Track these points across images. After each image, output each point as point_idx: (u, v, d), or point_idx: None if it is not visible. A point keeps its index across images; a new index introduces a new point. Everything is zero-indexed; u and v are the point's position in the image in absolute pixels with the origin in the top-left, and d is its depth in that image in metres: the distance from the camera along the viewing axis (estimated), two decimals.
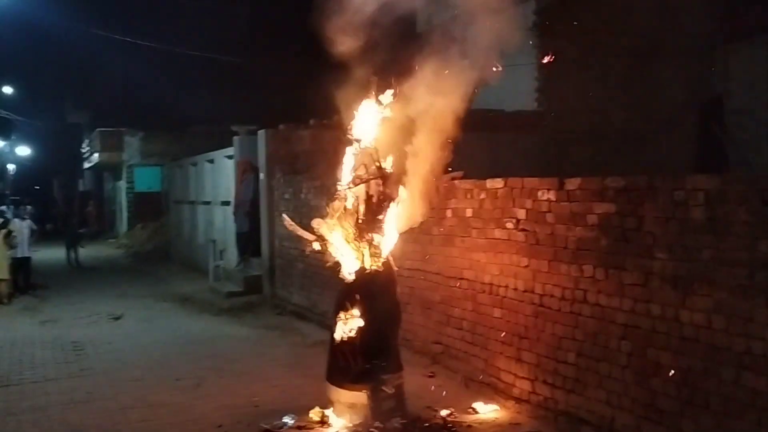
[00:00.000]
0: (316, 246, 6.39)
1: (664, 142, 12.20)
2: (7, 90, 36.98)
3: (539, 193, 6.22)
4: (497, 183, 6.79)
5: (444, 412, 6.38)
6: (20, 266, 14.92)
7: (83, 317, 12.10)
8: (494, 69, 6.57)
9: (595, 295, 5.64)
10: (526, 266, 6.40)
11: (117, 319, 11.88)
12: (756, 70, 11.74)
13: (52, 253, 21.65)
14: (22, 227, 15.07)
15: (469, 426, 6.15)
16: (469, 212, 7.22)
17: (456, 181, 7.41)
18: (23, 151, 46.40)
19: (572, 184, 5.88)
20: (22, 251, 14.90)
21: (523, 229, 6.42)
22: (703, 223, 4.73)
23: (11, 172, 47.17)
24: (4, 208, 27.88)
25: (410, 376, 6.61)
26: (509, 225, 6.58)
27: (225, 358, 8.91)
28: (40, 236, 19.38)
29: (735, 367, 4.53)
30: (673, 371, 4.91)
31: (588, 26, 12.25)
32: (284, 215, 6.98)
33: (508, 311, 6.66)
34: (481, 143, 10.83)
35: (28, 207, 29.13)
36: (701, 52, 12.24)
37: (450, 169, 7.03)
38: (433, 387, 7.11)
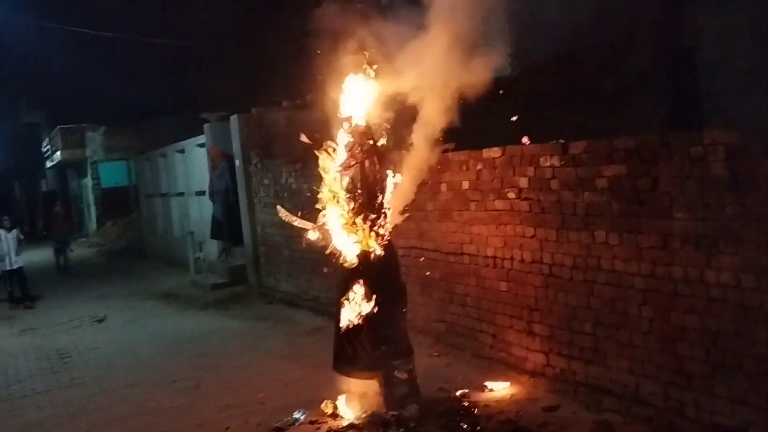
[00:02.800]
0: (313, 235, 6.09)
1: (638, 98, 12.05)
2: None
3: (541, 160, 5.98)
4: (494, 152, 6.54)
5: (458, 393, 6.17)
6: (11, 277, 14.13)
7: (64, 323, 11.69)
8: None
9: (610, 261, 5.43)
10: (533, 236, 6.17)
11: (100, 321, 11.50)
12: (724, 19, 11.62)
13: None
14: (6, 238, 14.01)
15: (486, 405, 5.93)
16: (465, 185, 6.96)
17: (449, 153, 7.14)
18: None
19: (577, 147, 5.65)
20: (11, 263, 13.96)
21: (526, 198, 6.19)
22: (724, 179, 4.53)
23: None
24: None
25: (416, 358, 6.34)
26: (511, 195, 6.34)
27: (219, 354, 8.62)
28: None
29: None
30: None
31: None
32: (279, 207, 6.64)
33: (515, 284, 6.44)
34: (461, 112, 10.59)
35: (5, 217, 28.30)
36: (668, 6, 12.08)
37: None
38: (441, 367, 6.91)
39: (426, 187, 7.44)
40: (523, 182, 6.20)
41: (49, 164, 35.22)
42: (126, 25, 22.59)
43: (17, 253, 14.15)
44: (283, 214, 6.40)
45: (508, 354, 6.58)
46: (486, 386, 6.30)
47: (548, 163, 5.92)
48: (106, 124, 28.57)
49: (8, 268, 14.02)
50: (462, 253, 7.12)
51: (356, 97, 6.07)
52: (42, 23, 21.80)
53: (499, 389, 6.25)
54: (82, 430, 6.39)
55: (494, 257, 6.66)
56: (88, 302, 13.49)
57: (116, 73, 26.97)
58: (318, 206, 6.13)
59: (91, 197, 29.52)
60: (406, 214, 6.29)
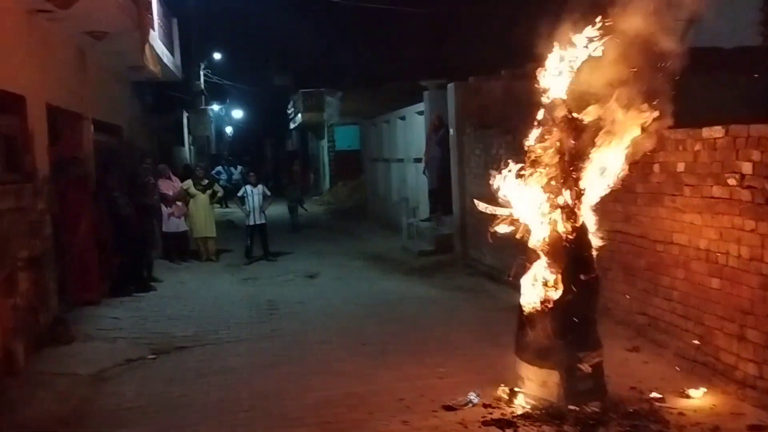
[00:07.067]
0: (504, 228, 5.81)
1: None
2: (217, 56, 39.40)
3: None
4: (716, 132, 5.76)
5: (651, 395, 5.60)
6: (254, 233, 14.40)
7: (280, 275, 12.43)
8: None
9: None
10: (753, 230, 5.37)
11: (312, 278, 12.06)
12: None
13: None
14: (252, 193, 14.42)
15: (681, 413, 5.32)
16: (680, 167, 6.24)
17: (665, 131, 6.42)
18: (237, 114, 49.67)
19: None
20: (254, 218, 14.27)
21: (748, 186, 5.38)
22: None
23: (229, 135, 50.72)
24: (219, 168, 29.80)
25: (611, 350, 5.90)
26: (731, 181, 5.56)
27: (412, 321, 8.63)
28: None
29: None
30: None
31: None
32: (476, 201, 6.40)
33: (728, 282, 5.67)
34: (696, 87, 9.57)
35: (240, 167, 30.77)
36: None
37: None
38: (637, 364, 6.34)
39: (637, 167, 6.80)
40: (747, 168, 5.39)
41: (292, 125, 37.67)
42: None
43: (262, 209, 14.38)
44: (481, 206, 6.16)
45: (715, 359, 5.85)
46: (685, 391, 5.66)
47: None
48: (343, 89, 29.83)
49: (251, 223, 14.31)
50: (671, 243, 6.42)
51: (561, 66, 5.62)
52: None
53: (700, 397, 5.59)
54: (272, 380, 6.68)
55: (707, 250, 5.92)
56: (305, 258, 14.24)
57: (354, 41, 28.10)
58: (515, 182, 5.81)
59: (325, 159, 31.16)
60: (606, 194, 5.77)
